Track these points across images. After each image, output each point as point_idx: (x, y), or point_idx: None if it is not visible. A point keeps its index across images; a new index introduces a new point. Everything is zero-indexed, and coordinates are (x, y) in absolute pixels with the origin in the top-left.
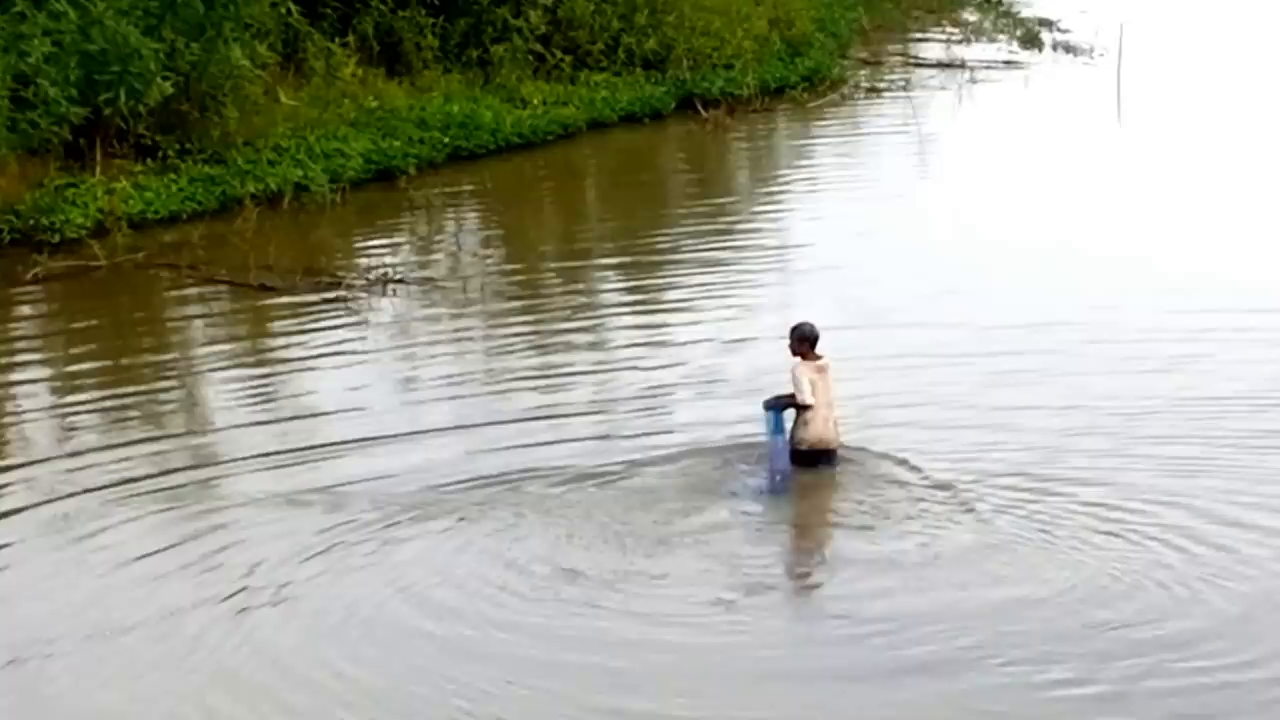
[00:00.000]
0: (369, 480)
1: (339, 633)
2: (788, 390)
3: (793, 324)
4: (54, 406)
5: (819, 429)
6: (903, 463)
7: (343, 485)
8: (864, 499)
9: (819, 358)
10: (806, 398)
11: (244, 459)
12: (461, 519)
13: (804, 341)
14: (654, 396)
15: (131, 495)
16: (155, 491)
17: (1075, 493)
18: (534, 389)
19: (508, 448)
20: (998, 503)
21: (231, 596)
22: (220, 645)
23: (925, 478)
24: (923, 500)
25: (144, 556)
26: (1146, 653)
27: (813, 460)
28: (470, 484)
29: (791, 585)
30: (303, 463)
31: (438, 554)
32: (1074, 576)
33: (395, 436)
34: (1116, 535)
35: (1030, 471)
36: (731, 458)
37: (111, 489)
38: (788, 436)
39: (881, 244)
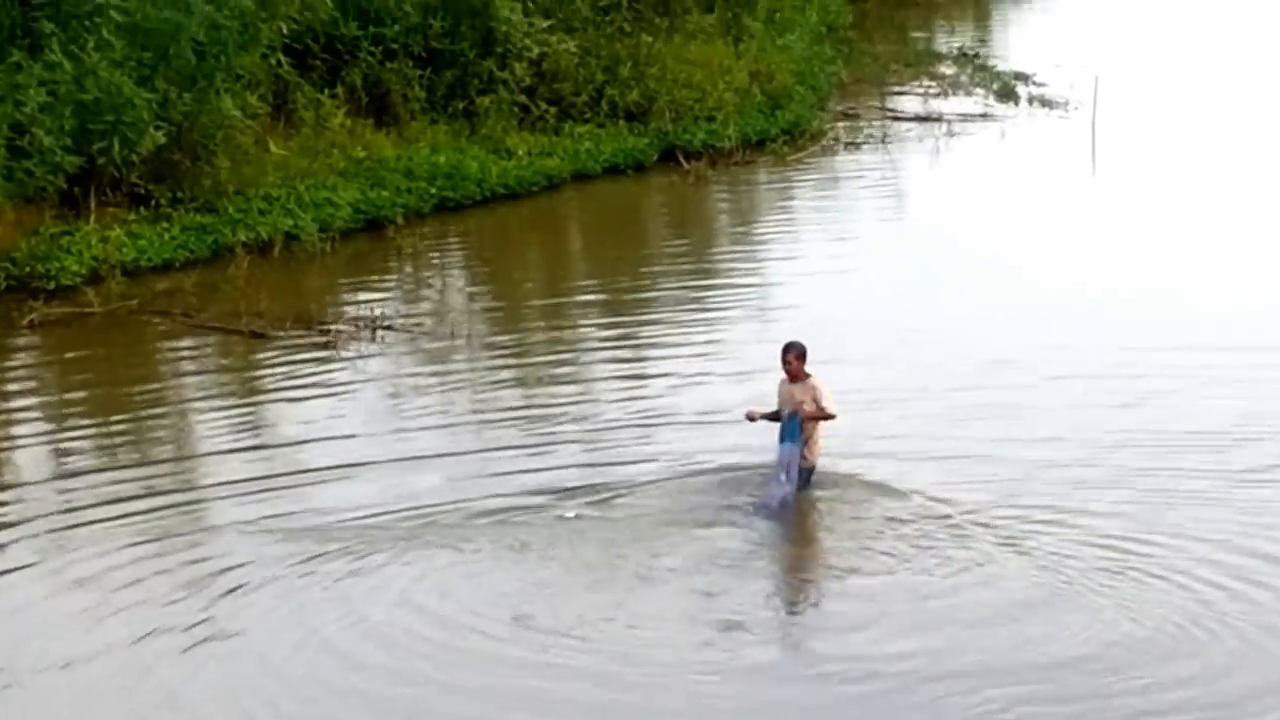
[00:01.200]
0: (347, 513)
1: (280, 673)
2: (772, 408)
3: (788, 342)
4: (48, 445)
5: (815, 448)
6: (892, 493)
7: (321, 518)
8: (851, 533)
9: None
10: (835, 409)
11: (227, 493)
12: (432, 551)
13: (801, 359)
14: (638, 428)
15: (111, 528)
16: (134, 524)
17: (1057, 528)
18: (517, 428)
19: (490, 480)
20: (987, 540)
21: (190, 629)
22: (170, 679)
23: (913, 511)
24: (909, 534)
25: (116, 589)
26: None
27: (808, 478)
28: (448, 516)
29: (773, 626)
30: (284, 496)
31: (405, 590)
32: (1076, 619)
33: (377, 470)
34: (1119, 574)
35: (1015, 504)
36: (714, 488)
37: (95, 523)
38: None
39: (857, 288)
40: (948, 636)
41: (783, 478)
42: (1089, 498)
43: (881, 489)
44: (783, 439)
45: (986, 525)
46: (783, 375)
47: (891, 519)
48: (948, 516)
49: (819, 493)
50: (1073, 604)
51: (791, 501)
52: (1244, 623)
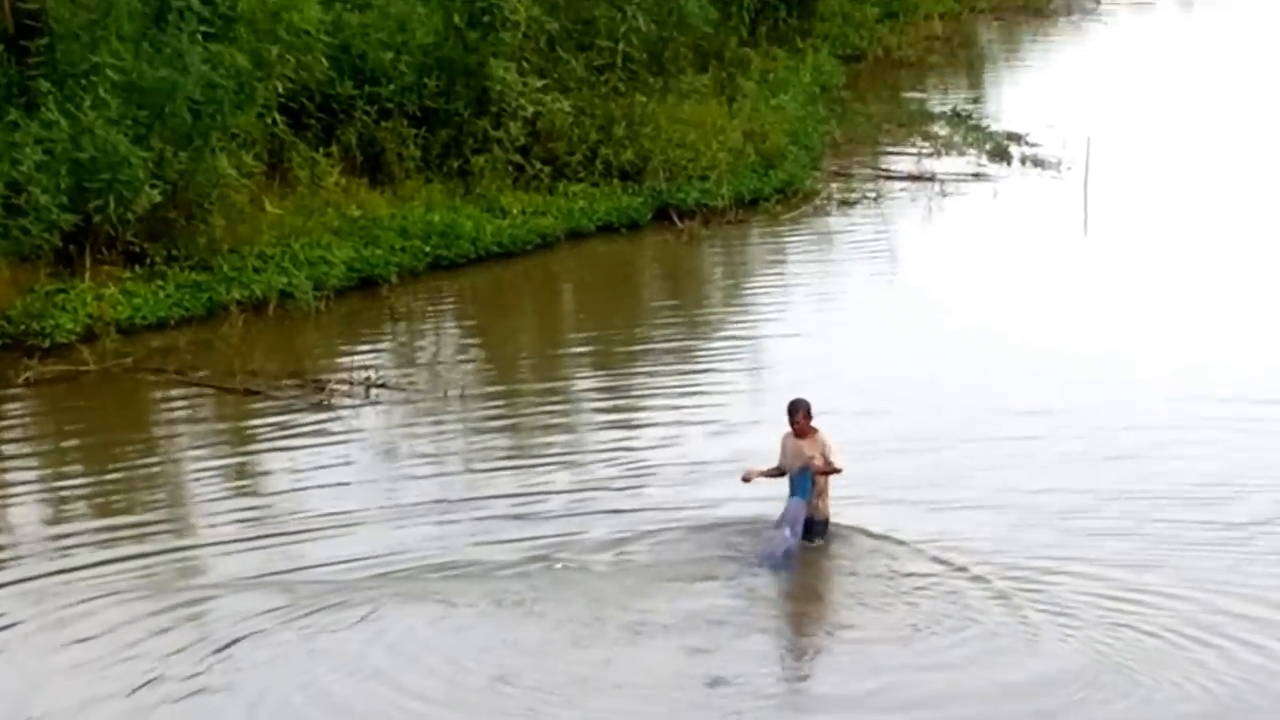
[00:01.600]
0: (339, 566)
1: None
2: (764, 465)
3: (795, 400)
4: (43, 498)
5: (827, 500)
6: (890, 547)
7: (313, 571)
8: (848, 589)
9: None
10: (841, 464)
11: (220, 547)
12: (421, 605)
13: (809, 416)
14: (628, 481)
15: (105, 580)
16: (128, 577)
17: (1056, 583)
18: (507, 483)
19: (479, 534)
20: (984, 596)
21: (184, 680)
22: None
23: (910, 567)
24: (907, 590)
25: (109, 641)
26: None
27: (823, 529)
28: (437, 569)
29: (767, 689)
30: (276, 549)
31: (393, 644)
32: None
33: (368, 524)
34: (1124, 627)
35: (1014, 559)
36: (706, 542)
37: (89, 576)
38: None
39: (849, 345)
40: (946, 707)
41: (788, 532)
42: (1088, 551)
43: (878, 543)
44: (794, 493)
45: (982, 579)
46: (785, 432)
47: (889, 575)
48: (946, 571)
49: (813, 545)
50: (1077, 664)
51: (795, 553)
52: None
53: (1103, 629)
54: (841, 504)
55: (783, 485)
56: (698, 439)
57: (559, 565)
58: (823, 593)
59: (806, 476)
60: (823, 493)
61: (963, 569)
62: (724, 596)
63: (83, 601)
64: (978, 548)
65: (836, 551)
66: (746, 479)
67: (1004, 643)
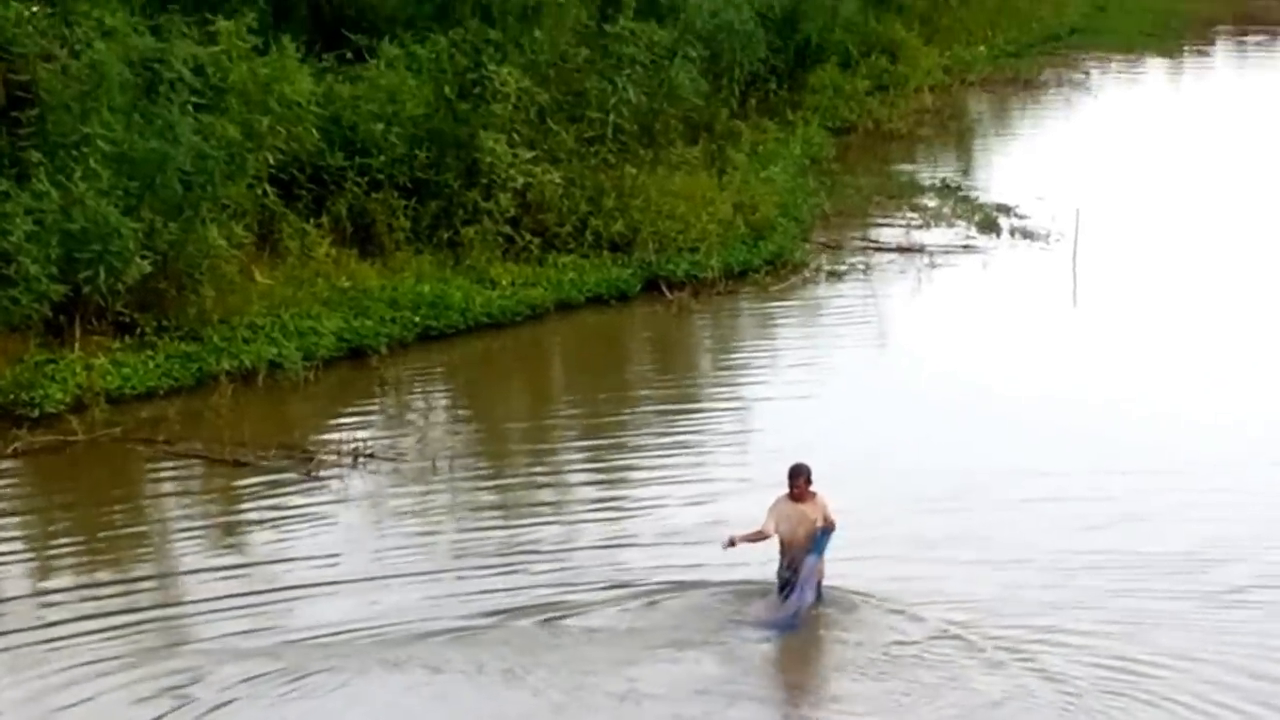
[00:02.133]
0: (323, 631)
1: None
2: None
3: (797, 465)
4: (31, 565)
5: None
6: (881, 615)
7: (297, 636)
8: (838, 659)
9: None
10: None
11: (206, 614)
12: (405, 672)
13: (809, 481)
14: (615, 549)
15: (91, 644)
16: (113, 641)
17: (1057, 646)
18: (496, 548)
19: (465, 601)
20: (982, 659)
21: None
22: None
23: (900, 634)
24: (901, 657)
25: (93, 706)
26: None
27: (819, 593)
28: (420, 636)
29: None
30: (262, 615)
31: (376, 714)
32: None
33: (353, 591)
34: (1120, 694)
35: (1005, 625)
36: (694, 608)
37: (75, 641)
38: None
39: (836, 414)
40: None
41: (807, 592)
42: (1079, 617)
43: (871, 608)
44: (811, 551)
45: (977, 646)
46: (779, 496)
47: (882, 641)
48: (940, 637)
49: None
50: None
51: (806, 612)
52: None
53: (1099, 697)
54: (833, 566)
55: (765, 550)
56: (685, 505)
57: (548, 632)
58: (814, 660)
59: (827, 536)
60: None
61: (956, 636)
62: (712, 664)
63: (65, 669)
64: (970, 612)
65: (829, 616)
66: (731, 544)
67: (1004, 713)
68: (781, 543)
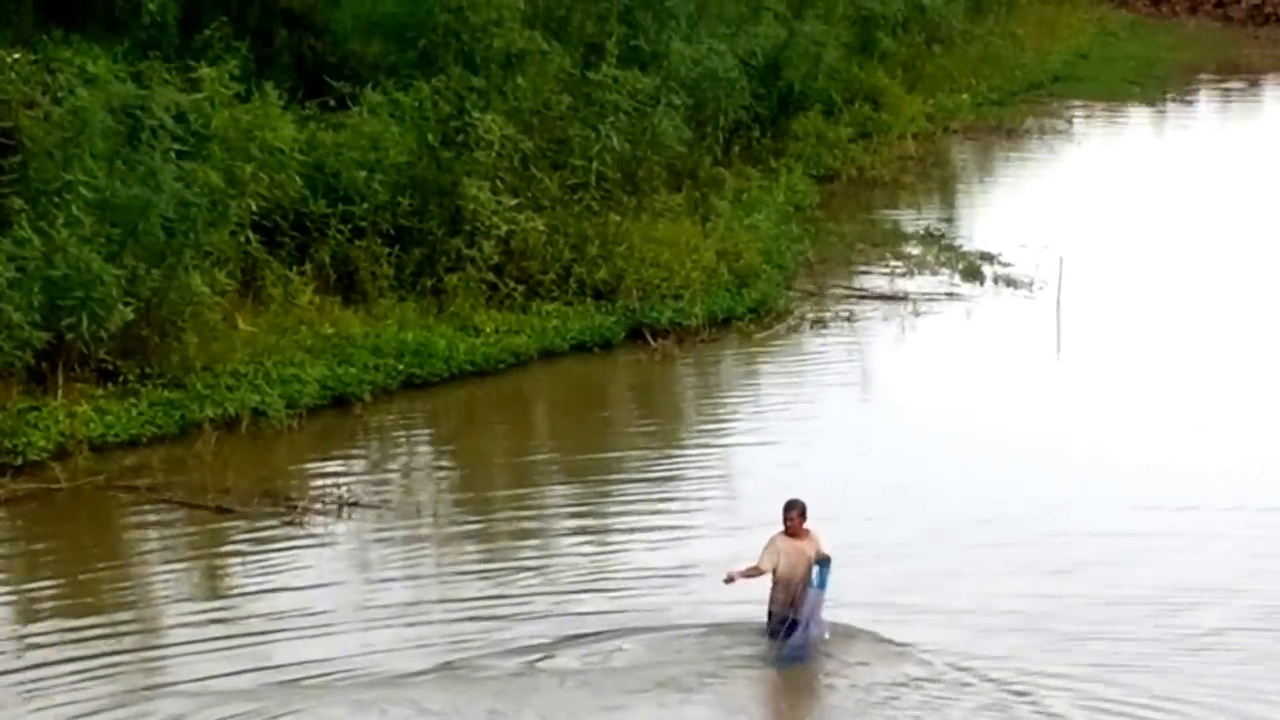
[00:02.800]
0: (307, 672)
1: None
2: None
3: (792, 500)
4: (11, 617)
5: None
6: (873, 646)
7: (283, 675)
8: (833, 699)
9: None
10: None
11: (189, 658)
12: (391, 711)
13: (803, 516)
14: (600, 589)
15: (75, 683)
16: (93, 682)
17: (1038, 689)
18: (479, 591)
19: (448, 643)
20: (970, 701)
21: None
22: None
23: (893, 675)
24: (888, 699)
25: None
26: None
27: (792, 629)
28: (406, 676)
29: None
30: (246, 658)
31: None
32: None
33: (337, 634)
34: None
35: (984, 663)
36: (681, 647)
37: (57, 683)
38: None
39: (821, 458)
40: None
41: (813, 626)
42: (1058, 660)
43: (859, 649)
44: (812, 585)
45: (966, 686)
46: (776, 533)
47: (867, 684)
48: (925, 677)
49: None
50: None
51: (813, 645)
52: None
53: None
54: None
55: (755, 589)
56: (668, 549)
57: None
58: (800, 703)
59: (827, 568)
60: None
61: (936, 678)
62: (699, 705)
63: (44, 710)
64: (953, 654)
65: (817, 657)
66: (729, 580)
67: None
68: (779, 580)
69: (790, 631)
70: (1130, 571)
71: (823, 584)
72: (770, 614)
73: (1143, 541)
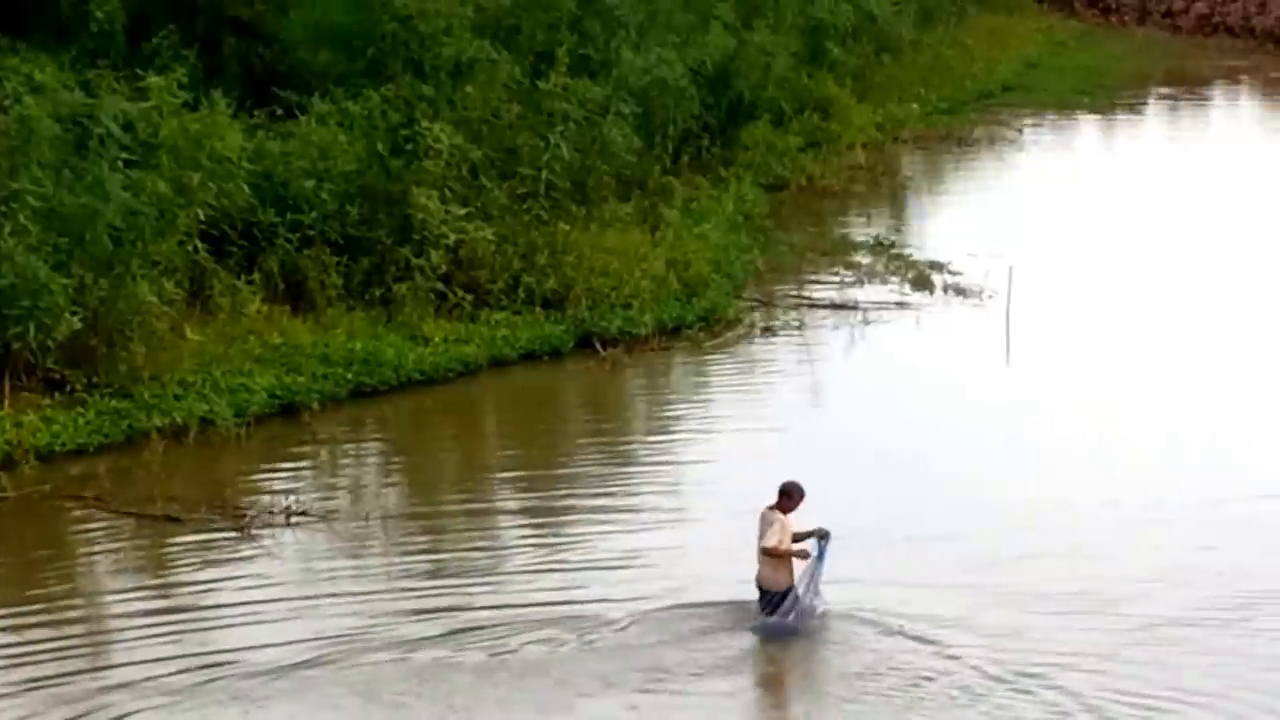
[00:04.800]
0: (248, 679)
1: None
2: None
3: (796, 484)
4: None
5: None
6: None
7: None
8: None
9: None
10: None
11: (127, 666)
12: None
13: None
14: (553, 595)
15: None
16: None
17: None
18: (429, 598)
19: (400, 655)
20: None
21: None
22: None
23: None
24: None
25: None
26: None
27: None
28: (344, 681)
29: None
30: (184, 670)
31: None
32: None
33: (285, 643)
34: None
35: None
36: (641, 652)
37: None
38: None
39: (769, 467)
40: None
41: (807, 595)
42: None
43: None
44: (821, 556)
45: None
46: (772, 510)
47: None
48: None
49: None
50: None
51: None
52: None
53: None
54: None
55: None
56: (617, 556)
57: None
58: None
59: (827, 542)
60: (780, 565)
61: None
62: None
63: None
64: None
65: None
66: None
67: None
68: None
69: (779, 604)
70: (1068, 567)
71: (821, 557)
72: (768, 591)
73: (1078, 541)
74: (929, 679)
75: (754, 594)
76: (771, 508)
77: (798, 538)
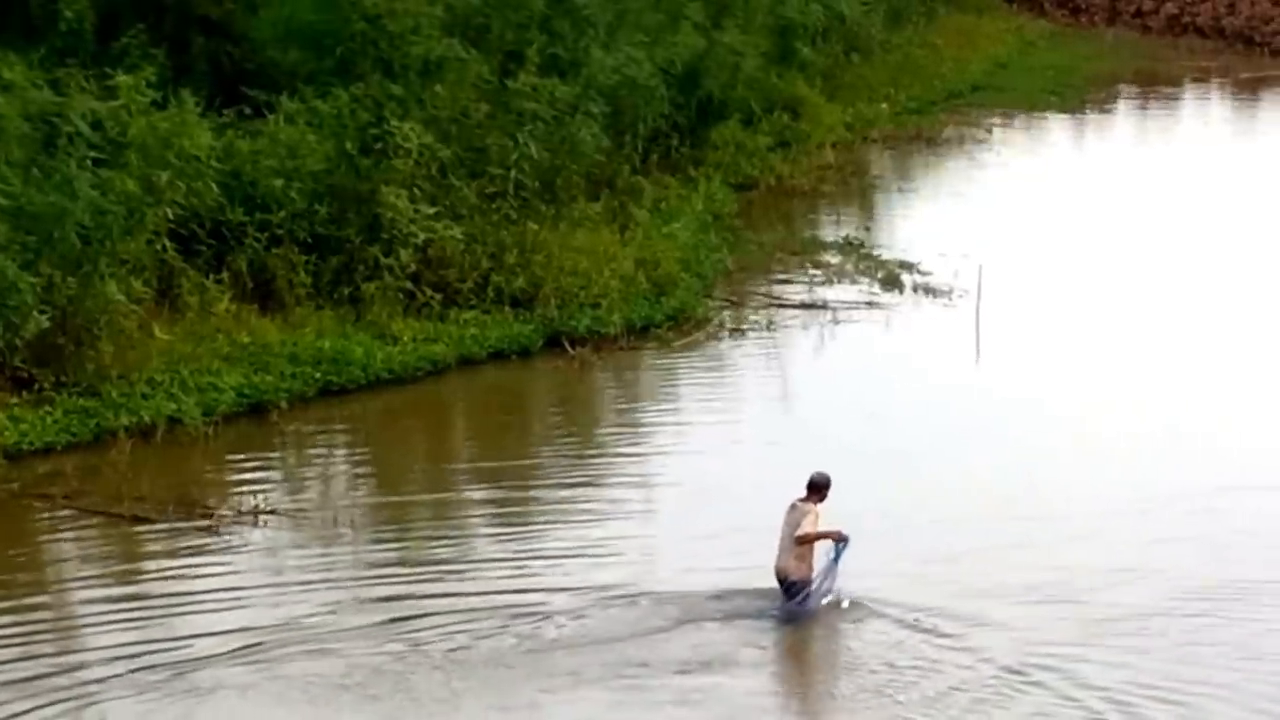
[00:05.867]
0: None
1: None
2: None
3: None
4: None
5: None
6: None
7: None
8: None
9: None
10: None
11: (105, 665)
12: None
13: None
14: (521, 594)
15: None
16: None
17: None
18: (396, 595)
19: (368, 651)
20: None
21: None
22: None
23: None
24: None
25: None
26: None
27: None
28: (309, 682)
29: None
30: (149, 669)
31: None
32: None
33: (256, 645)
34: None
35: None
36: (612, 650)
37: None
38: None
39: (739, 467)
40: None
41: (823, 587)
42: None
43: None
44: (832, 558)
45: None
46: (804, 502)
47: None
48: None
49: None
50: None
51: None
52: None
53: None
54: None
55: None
56: (587, 554)
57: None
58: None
59: (845, 546)
60: (804, 556)
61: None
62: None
63: None
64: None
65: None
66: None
67: None
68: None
69: (799, 591)
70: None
71: (837, 558)
72: (790, 581)
73: (1051, 533)
74: (910, 666)
75: (747, 585)
76: (803, 500)
77: (816, 538)
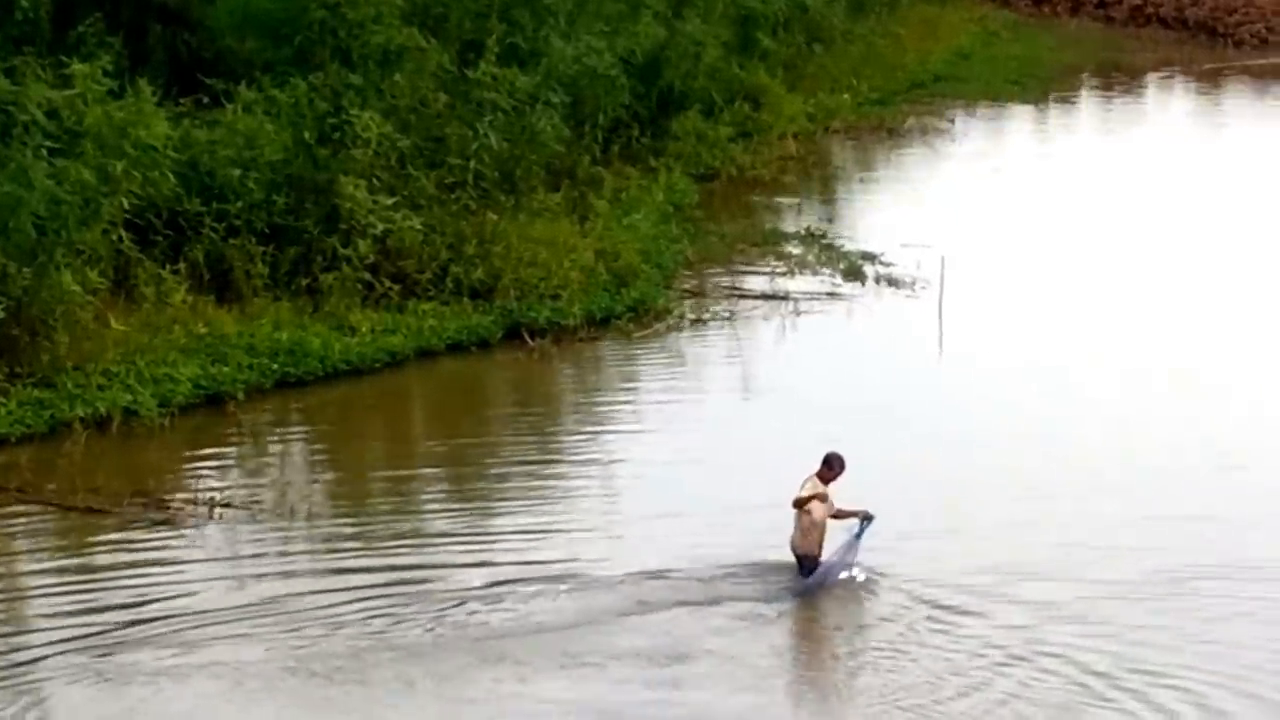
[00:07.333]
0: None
1: None
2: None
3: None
4: None
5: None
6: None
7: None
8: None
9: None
10: None
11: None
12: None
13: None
14: (481, 601)
15: None
16: None
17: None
18: (356, 589)
19: (326, 644)
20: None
21: None
22: None
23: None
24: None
25: None
26: None
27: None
28: (267, 674)
29: None
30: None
31: None
32: None
33: (208, 640)
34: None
35: None
36: (578, 640)
37: None
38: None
39: (699, 458)
40: None
41: (839, 564)
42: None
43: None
44: (855, 535)
45: None
46: (816, 483)
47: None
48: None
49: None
50: None
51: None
52: None
53: None
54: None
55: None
56: (548, 545)
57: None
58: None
59: (869, 523)
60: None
61: None
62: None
63: None
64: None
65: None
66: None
67: None
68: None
69: (813, 569)
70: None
71: (859, 535)
72: (804, 557)
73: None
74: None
75: (712, 563)
76: (817, 475)
77: (840, 515)
